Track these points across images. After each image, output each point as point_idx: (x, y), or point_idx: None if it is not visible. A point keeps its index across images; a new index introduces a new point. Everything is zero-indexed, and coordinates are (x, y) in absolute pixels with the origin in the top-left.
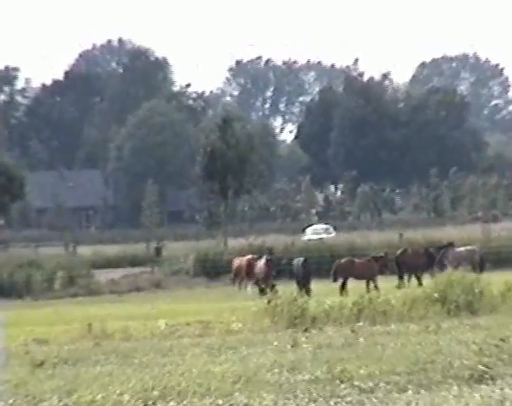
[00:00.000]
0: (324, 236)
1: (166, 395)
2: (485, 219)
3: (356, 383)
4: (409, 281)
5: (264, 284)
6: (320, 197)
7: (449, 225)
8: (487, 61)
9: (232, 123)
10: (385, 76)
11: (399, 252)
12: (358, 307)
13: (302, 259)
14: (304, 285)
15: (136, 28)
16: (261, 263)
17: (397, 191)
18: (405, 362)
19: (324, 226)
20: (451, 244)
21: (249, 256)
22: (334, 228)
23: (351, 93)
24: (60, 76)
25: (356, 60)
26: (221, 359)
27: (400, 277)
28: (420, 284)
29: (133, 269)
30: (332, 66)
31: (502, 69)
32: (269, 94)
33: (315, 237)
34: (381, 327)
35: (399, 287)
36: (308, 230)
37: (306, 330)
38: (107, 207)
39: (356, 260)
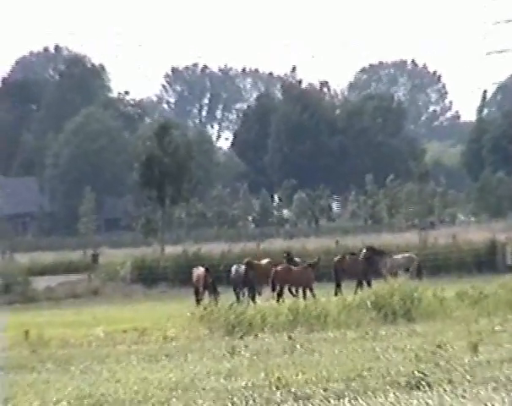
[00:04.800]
0: None
1: (103, 402)
2: (421, 226)
3: (292, 390)
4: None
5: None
6: (257, 204)
7: (386, 232)
8: (424, 67)
9: (170, 131)
10: (323, 83)
11: (336, 259)
12: (294, 314)
13: (243, 266)
14: (249, 292)
15: (72, 35)
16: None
17: (334, 198)
18: (342, 369)
19: None
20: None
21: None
22: None
23: (288, 100)
24: None
25: (294, 68)
26: (158, 367)
27: (338, 285)
28: (356, 292)
29: (69, 276)
30: (270, 74)
31: (439, 76)
32: (205, 101)
33: None
34: (318, 334)
35: (336, 294)
36: None
37: (242, 337)
38: (44, 214)
39: (293, 267)
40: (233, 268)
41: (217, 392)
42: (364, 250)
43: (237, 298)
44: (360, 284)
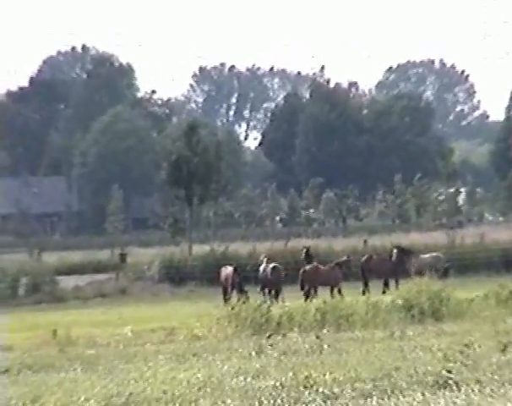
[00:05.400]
0: None
1: (131, 402)
2: (449, 226)
3: (320, 389)
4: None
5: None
6: (285, 204)
7: (413, 231)
8: (452, 67)
9: (198, 130)
10: (351, 83)
11: (364, 259)
12: (322, 313)
13: (271, 265)
14: (275, 292)
15: (100, 34)
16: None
17: (362, 197)
18: (369, 368)
19: None
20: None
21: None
22: None
23: (316, 99)
24: (25, 83)
25: (323, 67)
26: (186, 366)
27: (365, 284)
28: (384, 292)
29: (97, 275)
30: (298, 73)
31: (467, 76)
32: (233, 101)
33: None
34: (345, 334)
35: (364, 293)
36: None
37: (270, 336)
38: (72, 214)
39: (321, 266)
40: (261, 268)
41: (245, 392)
42: (395, 251)
43: (268, 297)
44: (387, 284)
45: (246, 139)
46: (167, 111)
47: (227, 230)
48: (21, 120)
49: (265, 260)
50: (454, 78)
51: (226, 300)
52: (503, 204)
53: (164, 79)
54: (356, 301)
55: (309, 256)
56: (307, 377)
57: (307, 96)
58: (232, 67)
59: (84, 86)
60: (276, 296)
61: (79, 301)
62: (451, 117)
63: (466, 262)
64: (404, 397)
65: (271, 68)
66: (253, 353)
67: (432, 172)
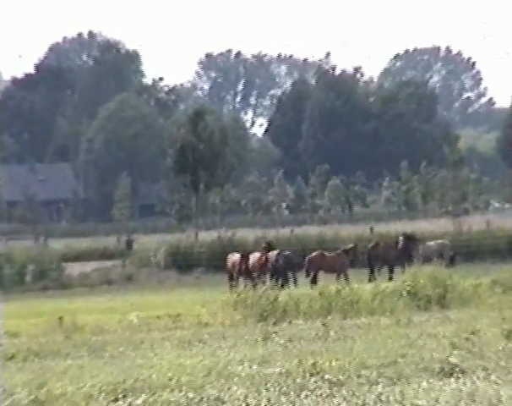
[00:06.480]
0: None
1: (137, 388)
2: (456, 213)
3: (326, 376)
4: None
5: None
6: (291, 191)
7: (420, 219)
8: (458, 54)
9: (204, 117)
10: (357, 69)
11: (370, 245)
12: (327, 300)
13: (286, 252)
14: (283, 278)
15: (106, 21)
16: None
17: (368, 184)
18: (375, 355)
19: None
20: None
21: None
22: None
23: (322, 86)
24: (31, 69)
25: (328, 54)
26: (192, 353)
27: (372, 271)
28: (390, 278)
29: (104, 262)
30: (304, 60)
31: (474, 63)
32: (239, 87)
33: None
34: (351, 321)
35: (370, 280)
36: None
37: (276, 323)
38: (78, 200)
39: (327, 253)
40: (270, 254)
41: (251, 378)
42: (401, 238)
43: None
44: (393, 271)
45: (252, 126)
46: (174, 97)
47: (234, 217)
48: (27, 107)
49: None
50: (460, 65)
51: (231, 286)
52: (509, 191)
53: (170, 65)
54: (363, 288)
55: (270, 250)
56: (313, 364)
57: (314, 82)
58: (239, 53)
59: (91, 73)
60: (282, 283)
61: (86, 288)
62: (457, 104)
63: (472, 249)
64: (410, 384)
65: (278, 55)
66: (260, 340)
67: (438, 159)
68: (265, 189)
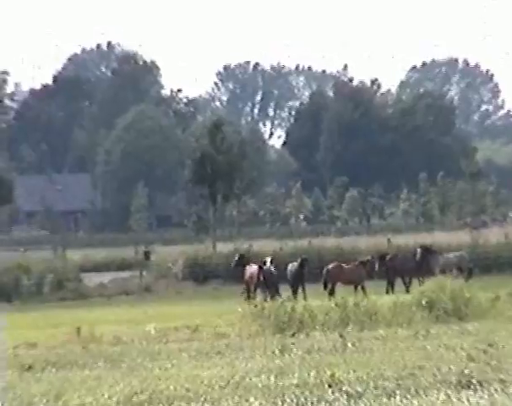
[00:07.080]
0: None
1: (154, 399)
2: (474, 225)
3: (344, 388)
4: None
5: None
6: (309, 202)
7: (437, 230)
8: (476, 66)
9: (222, 128)
10: (375, 81)
11: (388, 257)
12: (345, 312)
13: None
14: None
15: (125, 32)
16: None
17: (386, 196)
18: (393, 367)
19: None
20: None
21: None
22: None
23: (340, 98)
24: (49, 80)
25: (346, 66)
26: (209, 364)
27: (389, 283)
28: (407, 291)
29: (121, 273)
30: (323, 72)
31: (492, 75)
32: (257, 99)
33: None
34: (369, 332)
35: (387, 292)
36: None
37: (293, 335)
38: (96, 211)
39: (345, 265)
40: (289, 266)
41: (268, 390)
42: (419, 250)
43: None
44: (410, 283)
45: (270, 137)
46: (192, 109)
47: (251, 228)
48: (46, 118)
49: (269, 260)
50: (478, 77)
51: (248, 298)
52: None
53: (188, 77)
54: (380, 300)
55: (242, 262)
56: (330, 376)
57: (332, 94)
58: (257, 65)
59: (109, 84)
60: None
61: (103, 298)
62: (475, 117)
63: (490, 262)
64: (427, 396)
65: (296, 67)
66: (277, 352)
67: (456, 171)
68: (283, 200)
